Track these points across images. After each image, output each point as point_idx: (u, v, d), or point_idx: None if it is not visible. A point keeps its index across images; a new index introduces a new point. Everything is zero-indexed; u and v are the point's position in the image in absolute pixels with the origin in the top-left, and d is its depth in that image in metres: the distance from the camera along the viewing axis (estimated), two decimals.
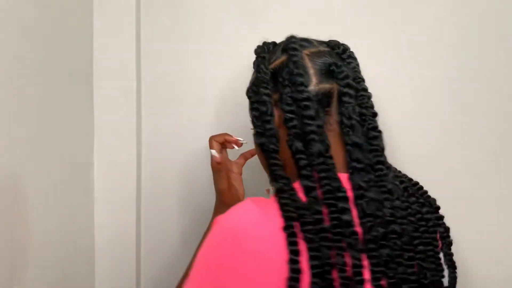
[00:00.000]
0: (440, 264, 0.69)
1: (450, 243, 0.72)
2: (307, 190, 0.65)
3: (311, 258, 0.61)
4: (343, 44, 0.76)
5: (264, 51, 0.76)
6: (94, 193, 1.07)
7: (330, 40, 0.77)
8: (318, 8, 1.06)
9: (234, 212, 0.64)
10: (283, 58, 0.72)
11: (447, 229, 0.73)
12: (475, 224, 1.03)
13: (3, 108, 0.75)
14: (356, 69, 0.74)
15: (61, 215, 0.95)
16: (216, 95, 1.08)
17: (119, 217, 1.09)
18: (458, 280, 0.72)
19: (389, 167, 0.71)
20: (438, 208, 0.74)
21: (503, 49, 1.04)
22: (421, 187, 0.75)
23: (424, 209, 0.71)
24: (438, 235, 0.71)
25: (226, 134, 0.87)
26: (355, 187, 0.66)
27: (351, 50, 0.76)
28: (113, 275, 1.10)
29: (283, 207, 0.63)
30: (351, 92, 0.70)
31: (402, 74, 1.06)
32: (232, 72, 1.08)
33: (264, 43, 0.78)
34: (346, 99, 0.69)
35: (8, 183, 0.77)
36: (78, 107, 1.02)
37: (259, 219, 0.62)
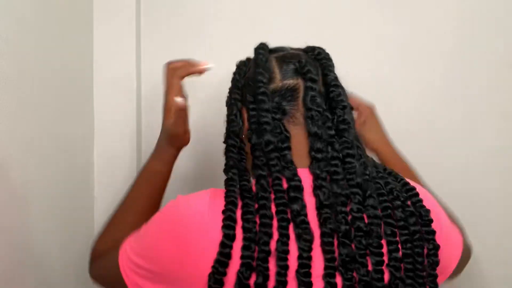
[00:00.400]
0: (420, 283, 0.65)
1: (436, 263, 0.67)
2: (257, 179, 0.66)
3: (243, 247, 0.61)
4: (319, 48, 0.78)
5: (243, 64, 0.80)
6: (94, 193, 1.07)
7: (307, 46, 0.79)
8: (318, 8, 1.06)
9: (193, 202, 0.66)
10: (251, 64, 0.77)
11: (436, 247, 0.67)
12: (475, 224, 1.03)
13: (3, 108, 0.75)
14: (329, 68, 0.74)
15: (61, 215, 0.95)
16: (216, 96, 1.08)
17: None
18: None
19: (366, 164, 0.69)
20: (430, 221, 0.68)
21: (503, 46, 1.04)
22: (416, 194, 0.70)
23: (412, 219, 0.67)
24: (425, 251, 0.67)
25: (187, 63, 0.83)
26: (313, 177, 0.66)
27: (327, 52, 0.78)
28: None
29: (226, 193, 0.65)
30: (314, 86, 0.70)
31: (401, 74, 1.06)
32: (232, 72, 1.08)
33: (247, 58, 0.81)
34: (308, 92, 0.70)
35: (8, 183, 0.77)
36: (78, 107, 1.02)
37: (209, 207, 0.64)
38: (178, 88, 0.81)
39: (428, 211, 0.69)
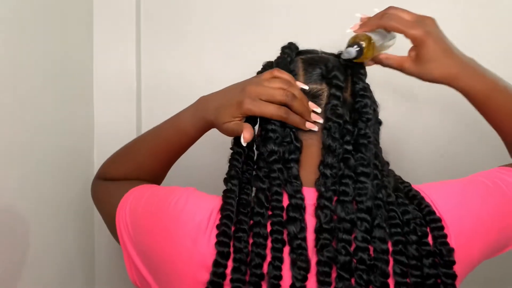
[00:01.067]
0: None
1: None
2: (256, 192, 0.60)
3: (233, 269, 0.56)
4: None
5: (268, 65, 0.71)
6: None
7: (340, 51, 0.70)
8: (318, 8, 1.06)
9: (202, 206, 0.62)
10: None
11: None
12: None
13: (3, 108, 0.75)
14: (360, 76, 0.66)
15: (61, 215, 0.95)
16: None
17: None
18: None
19: (382, 186, 0.61)
20: (452, 263, 0.57)
21: (503, 47, 1.04)
22: (440, 228, 0.59)
23: (429, 260, 0.57)
24: None
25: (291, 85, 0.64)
26: (317, 195, 0.59)
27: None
28: (113, 275, 1.10)
29: (223, 206, 0.60)
30: (338, 93, 0.63)
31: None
32: (232, 72, 1.07)
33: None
34: (331, 100, 0.63)
35: (8, 182, 0.77)
36: (78, 107, 1.02)
37: (212, 217, 0.61)
38: (243, 127, 0.64)
39: (451, 250, 0.58)
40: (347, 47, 0.66)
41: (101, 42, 1.06)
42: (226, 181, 0.63)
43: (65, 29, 0.95)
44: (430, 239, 0.59)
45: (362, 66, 0.68)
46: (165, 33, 1.09)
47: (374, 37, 0.66)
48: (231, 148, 0.67)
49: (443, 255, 0.57)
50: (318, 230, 0.57)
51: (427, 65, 0.66)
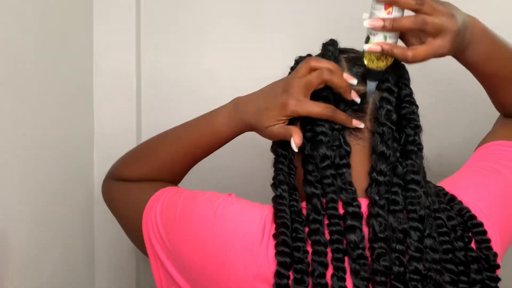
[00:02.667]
0: None
1: None
2: (309, 198, 0.58)
3: (295, 281, 0.54)
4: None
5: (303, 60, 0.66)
6: (94, 193, 1.07)
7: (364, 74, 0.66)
8: (319, 8, 1.06)
9: (247, 217, 0.58)
10: None
11: None
12: None
13: (3, 108, 0.75)
14: (405, 81, 0.64)
15: (61, 214, 0.95)
16: (216, 95, 1.08)
17: None
18: None
19: (428, 193, 0.59)
20: (496, 266, 0.58)
21: None
22: (483, 232, 0.59)
23: (475, 265, 0.57)
24: None
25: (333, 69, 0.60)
26: (370, 203, 0.57)
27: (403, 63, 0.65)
28: (113, 275, 1.10)
29: (276, 214, 0.57)
30: (390, 97, 0.60)
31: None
32: (232, 71, 1.08)
33: (308, 54, 0.68)
34: (382, 104, 0.60)
35: (8, 182, 0.77)
36: (78, 107, 1.02)
37: (263, 228, 0.57)
38: (292, 130, 0.61)
39: (496, 255, 0.58)
40: (368, 78, 0.61)
41: (101, 42, 1.06)
42: (275, 186, 0.60)
43: (65, 29, 0.95)
44: (473, 244, 0.59)
45: (405, 70, 0.65)
46: (165, 33, 1.09)
47: (389, 39, 0.60)
48: (273, 151, 0.64)
49: (489, 260, 0.58)
50: (373, 239, 0.55)
51: (438, 42, 0.59)
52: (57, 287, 0.93)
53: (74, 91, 1.00)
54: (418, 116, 0.62)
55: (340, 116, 0.60)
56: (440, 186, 0.64)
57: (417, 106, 0.63)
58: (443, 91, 1.05)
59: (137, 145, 0.77)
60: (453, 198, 0.62)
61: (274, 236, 0.56)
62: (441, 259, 0.56)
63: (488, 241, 0.59)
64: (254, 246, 0.56)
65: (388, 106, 0.60)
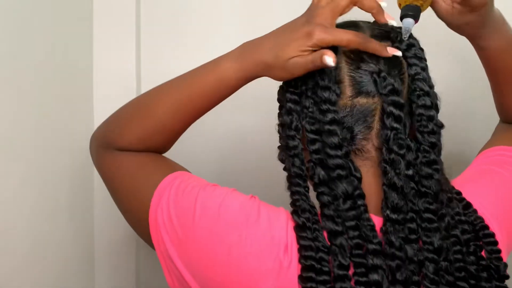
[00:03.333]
0: None
1: None
2: (331, 235, 0.53)
3: None
4: (410, 37, 0.57)
5: None
6: (94, 193, 1.07)
7: (392, 28, 0.57)
8: None
9: (274, 225, 0.54)
10: None
11: None
12: None
13: (3, 108, 0.75)
14: (418, 76, 0.55)
15: (61, 215, 0.95)
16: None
17: (119, 217, 1.09)
18: None
19: (445, 214, 0.55)
20: (506, 277, 0.57)
21: None
22: (494, 243, 0.57)
23: (484, 273, 0.56)
24: None
25: None
26: (386, 243, 0.53)
27: (420, 46, 0.58)
28: (113, 275, 1.10)
29: (303, 252, 0.52)
30: (397, 112, 0.53)
31: None
32: None
33: None
34: (389, 122, 0.53)
35: (8, 182, 0.77)
36: (78, 107, 1.02)
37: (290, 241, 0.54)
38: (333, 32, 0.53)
39: (506, 265, 0.57)
40: (401, 18, 0.55)
41: (101, 42, 1.06)
42: (297, 215, 0.54)
43: (65, 29, 0.95)
44: (483, 252, 0.57)
45: (422, 57, 0.57)
46: (165, 33, 1.09)
47: None
48: (284, 166, 0.58)
49: (499, 271, 0.56)
50: (392, 281, 0.53)
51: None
52: (57, 287, 0.93)
53: (74, 91, 1.00)
54: (436, 125, 0.55)
55: (373, 44, 0.53)
56: (457, 190, 0.61)
57: (437, 108, 0.56)
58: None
59: (127, 102, 0.66)
60: (468, 205, 0.60)
61: (301, 280, 0.52)
62: (455, 279, 0.54)
63: (499, 251, 0.57)
64: (283, 262, 0.53)
65: (396, 125, 0.53)
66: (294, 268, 0.53)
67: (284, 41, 0.54)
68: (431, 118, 0.55)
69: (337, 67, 0.54)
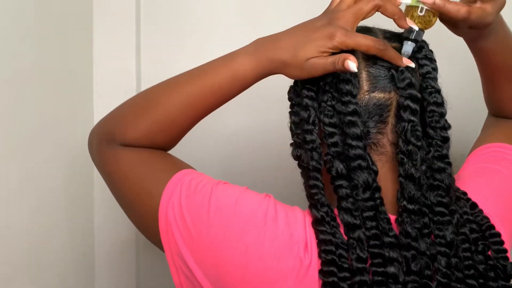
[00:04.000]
0: None
1: None
2: (349, 228, 0.53)
3: None
4: (421, 40, 0.59)
5: None
6: (94, 193, 1.07)
7: (403, 33, 0.59)
8: (320, 7, 1.06)
9: (293, 223, 0.54)
10: None
11: None
12: None
13: (3, 108, 0.75)
14: (430, 75, 0.57)
15: (61, 215, 0.95)
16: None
17: (119, 216, 1.09)
18: None
19: (455, 210, 0.56)
20: (511, 276, 0.57)
21: None
22: (500, 243, 0.58)
23: (492, 273, 0.56)
24: None
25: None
26: (402, 234, 0.54)
27: (429, 48, 0.60)
28: (113, 275, 1.10)
29: (323, 246, 0.52)
30: (414, 106, 0.55)
31: None
32: None
33: None
34: (406, 115, 0.54)
35: (8, 182, 0.77)
36: (78, 107, 1.02)
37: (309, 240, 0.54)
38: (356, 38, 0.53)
39: (510, 265, 0.57)
40: (403, 38, 0.57)
41: (101, 42, 1.06)
42: (316, 209, 0.55)
43: (65, 29, 0.95)
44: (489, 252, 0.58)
45: (433, 59, 0.59)
46: (165, 33, 1.09)
47: None
48: (299, 164, 0.58)
49: (506, 271, 0.56)
50: (407, 272, 0.53)
51: (488, 8, 0.57)
52: (57, 287, 0.93)
53: (74, 91, 1.00)
54: (446, 121, 0.57)
55: (391, 53, 0.54)
56: (462, 190, 0.62)
57: (443, 107, 0.57)
58: None
59: (132, 96, 0.65)
60: (474, 205, 0.60)
61: (322, 274, 0.52)
62: (464, 276, 0.55)
63: (505, 251, 0.58)
64: (303, 260, 0.53)
65: (413, 117, 0.54)
66: (314, 266, 0.52)
67: (303, 41, 0.54)
68: (442, 115, 0.56)
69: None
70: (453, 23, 0.61)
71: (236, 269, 0.52)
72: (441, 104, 0.57)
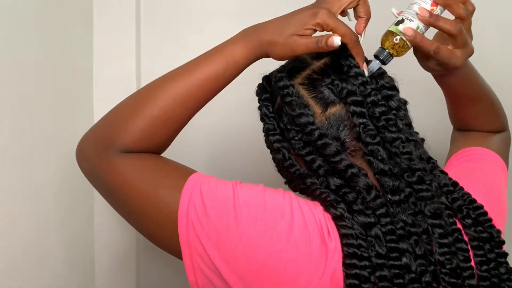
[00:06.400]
0: None
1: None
2: (365, 227, 0.56)
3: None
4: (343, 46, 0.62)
5: (264, 91, 0.66)
6: (94, 193, 1.07)
7: (376, 51, 0.64)
8: None
9: (313, 210, 0.57)
10: (278, 100, 0.64)
11: (509, 270, 0.60)
12: None
13: (3, 108, 0.75)
14: (351, 73, 0.61)
15: (61, 215, 0.95)
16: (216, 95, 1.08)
17: (119, 217, 1.09)
18: None
19: (431, 180, 0.60)
20: (502, 243, 0.61)
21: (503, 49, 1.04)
22: (484, 213, 0.62)
23: (487, 246, 0.60)
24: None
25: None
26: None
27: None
28: (113, 275, 1.10)
29: (345, 240, 0.55)
30: (359, 109, 0.59)
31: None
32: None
33: (263, 79, 0.67)
34: (355, 120, 0.59)
35: (8, 182, 0.77)
36: (78, 107, 1.02)
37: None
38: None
39: (499, 232, 0.62)
40: (374, 55, 0.62)
41: (101, 42, 1.06)
42: (331, 207, 0.57)
43: (65, 29, 0.95)
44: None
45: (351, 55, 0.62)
46: (165, 34, 1.09)
47: (409, 23, 0.62)
48: (305, 190, 0.62)
49: (494, 237, 0.60)
50: (414, 258, 0.56)
51: (457, 53, 0.63)
52: (57, 287, 0.93)
53: (74, 92, 1.00)
54: (385, 106, 0.60)
55: (360, 49, 0.60)
56: (444, 171, 0.66)
57: (395, 102, 0.61)
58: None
59: (125, 98, 0.65)
60: (455, 183, 0.65)
61: (345, 262, 0.55)
62: (454, 240, 0.58)
63: (490, 220, 0.62)
64: (328, 245, 0.55)
65: (362, 120, 0.59)
66: (338, 251, 0.55)
67: (289, 20, 0.59)
68: (374, 103, 0.60)
69: (298, 96, 0.61)
70: (425, 58, 0.66)
71: (268, 260, 0.54)
72: (369, 94, 0.60)
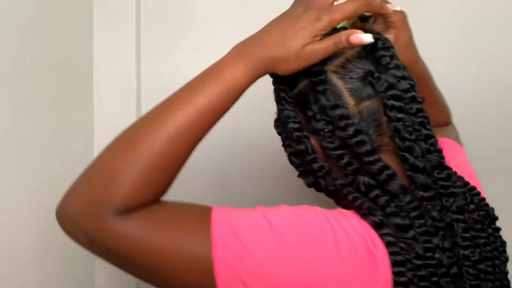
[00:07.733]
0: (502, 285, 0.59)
1: (506, 259, 0.62)
2: (401, 230, 0.54)
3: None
4: (376, 33, 0.59)
5: (282, 90, 0.60)
6: None
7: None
8: None
9: (355, 224, 0.54)
10: (305, 81, 0.58)
11: (503, 244, 0.62)
12: None
13: (3, 108, 0.75)
14: (390, 65, 0.58)
15: None
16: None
17: None
18: None
19: (455, 183, 0.59)
20: (496, 219, 0.63)
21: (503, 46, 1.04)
22: (478, 194, 0.64)
23: (487, 220, 0.61)
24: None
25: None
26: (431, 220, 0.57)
27: (383, 39, 0.60)
28: (113, 275, 1.10)
29: (390, 248, 0.53)
30: (398, 104, 0.56)
31: None
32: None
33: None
34: (393, 114, 0.56)
35: (7, 183, 0.77)
36: (78, 108, 1.02)
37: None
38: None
39: (492, 209, 0.63)
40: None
41: (101, 42, 1.06)
42: (370, 215, 0.55)
43: (65, 29, 0.95)
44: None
45: (387, 47, 0.59)
46: (165, 34, 1.09)
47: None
48: (325, 190, 0.60)
49: (490, 215, 0.62)
50: (444, 250, 0.57)
51: (402, 48, 0.62)
52: (57, 287, 0.93)
53: (74, 91, 1.00)
54: (418, 103, 0.59)
55: (376, 3, 0.56)
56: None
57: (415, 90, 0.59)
58: None
59: (110, 144, 0.53)
60: (455, 173, 0.65)
61: (394, 270, 0.53)
62: (476, 230, 0.59)
63: (484, 199, 0.63)
64: (376, 254, 0.53)
65: (399, 114, 0.56)
66: (386, 261, 0.53)
67: (290, 32, 0.53)
68: (413, 99, 0.57)
69: (331, 84, 0.56)
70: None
71: (316, 281, 0.50)
72: (408, 89, 0.57)
